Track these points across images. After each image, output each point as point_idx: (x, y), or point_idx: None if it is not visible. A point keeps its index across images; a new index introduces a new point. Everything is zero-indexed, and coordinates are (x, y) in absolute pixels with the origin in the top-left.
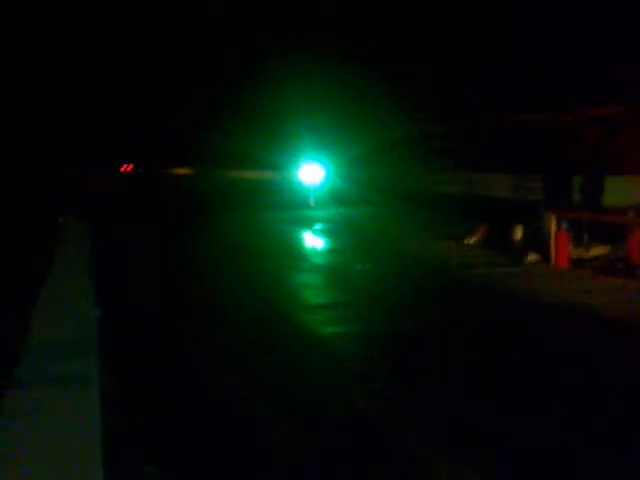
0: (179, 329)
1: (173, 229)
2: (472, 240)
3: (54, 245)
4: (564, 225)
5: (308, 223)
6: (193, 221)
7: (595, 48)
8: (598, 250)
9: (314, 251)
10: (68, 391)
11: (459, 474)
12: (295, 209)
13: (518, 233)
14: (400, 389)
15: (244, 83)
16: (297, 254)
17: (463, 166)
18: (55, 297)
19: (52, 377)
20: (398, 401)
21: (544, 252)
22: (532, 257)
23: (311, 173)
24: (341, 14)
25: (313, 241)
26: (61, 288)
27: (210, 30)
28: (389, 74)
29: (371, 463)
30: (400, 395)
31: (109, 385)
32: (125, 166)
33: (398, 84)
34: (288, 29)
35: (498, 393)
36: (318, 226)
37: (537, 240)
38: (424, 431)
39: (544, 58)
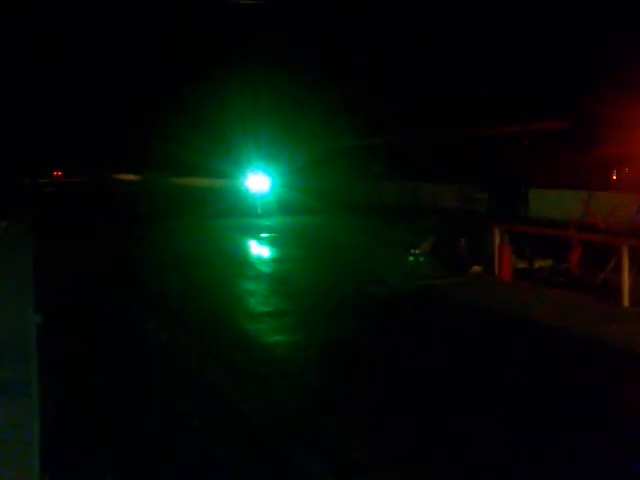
0: (123, 337)
1: (118, 235)
2: (417, 250)
3: None
4: (507, 238)
5: (255, 231)
6: (139, 228)
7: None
8: (540, 263)
9: (260, 259)
10: (6, 397)
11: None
12: (242, 217)
13: (462, 244)
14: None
15: (193, 92)
16: (244, 262)
17: (409, 176)
18: None
19: None
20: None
21: (488, 264)
22: (476, 269)
23: (258, 182)
24: (295, 23)
25: (259, 249)
26: (0, 294)
27: (163, 38)
28: (338, 85)
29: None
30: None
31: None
32: (56, 172)
33: (346, 95)
34: (238, 40)
35: (409, 386)
36: (265, 234)
37: (481, 252)
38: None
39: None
